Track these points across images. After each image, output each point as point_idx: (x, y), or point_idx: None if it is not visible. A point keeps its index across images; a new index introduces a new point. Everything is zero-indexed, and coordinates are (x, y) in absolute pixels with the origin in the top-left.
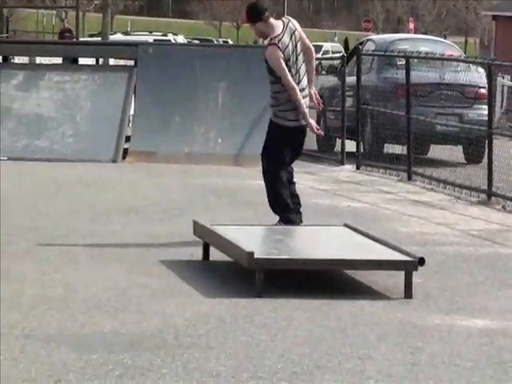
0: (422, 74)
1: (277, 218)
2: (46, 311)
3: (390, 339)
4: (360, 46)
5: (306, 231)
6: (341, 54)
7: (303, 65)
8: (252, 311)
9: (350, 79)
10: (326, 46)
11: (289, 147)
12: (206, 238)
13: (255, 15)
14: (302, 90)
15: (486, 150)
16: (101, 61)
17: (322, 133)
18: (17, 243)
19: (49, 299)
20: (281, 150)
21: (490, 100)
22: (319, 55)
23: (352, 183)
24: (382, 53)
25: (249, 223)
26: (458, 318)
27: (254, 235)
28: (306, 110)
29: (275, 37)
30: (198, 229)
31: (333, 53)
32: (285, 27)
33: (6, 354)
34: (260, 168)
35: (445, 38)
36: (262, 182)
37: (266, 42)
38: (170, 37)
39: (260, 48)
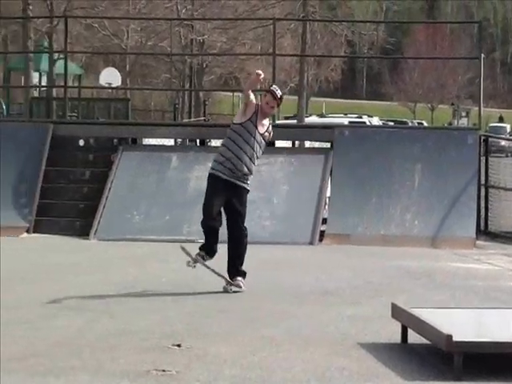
0: None
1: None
2: None
3: None
4: None
5: (505, 314)
6: None
7: None
8: None
9: None
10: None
11: None
12: (404, 320)
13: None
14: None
15: None
16: (297, 143)
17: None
18: (212, 326)
19: (247, 381)
20: None
21: None
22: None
23: None
24: None
25: (446, 306)
26: None
27: (451, 318)
28: None
29: None
30: (396, 311)
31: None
32: None
33: None
34: (456, 250)
35: None
36: (459, 265)
37: (265, 121)
38: (365, 118)
39: (456, 130)
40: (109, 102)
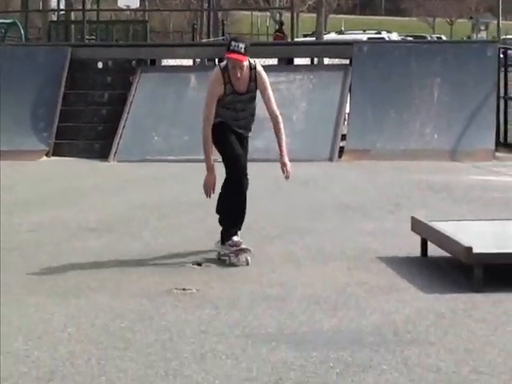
0: None
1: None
2: (266, 310)
3: None
4: None
5: None
6: None
7: None
8: (471, 306)
9: None
10: None
11: None
12: (424, 233)
13: None
14: None
15: None
16: (315, 60)
17: None
18: None
19: (268, 298)
20: None
21: None
22: None
23: None
24: None
25: (466, 218)
26: None
27: (471, 230)
28: None
29: None
30: (416, 225)
31: None
32: None
33: (228, 352)
34: (476, 163)
35: None
36: (478, 177)
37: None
38: (384, 34)
39: (475, 43)
40: (127, 24)
